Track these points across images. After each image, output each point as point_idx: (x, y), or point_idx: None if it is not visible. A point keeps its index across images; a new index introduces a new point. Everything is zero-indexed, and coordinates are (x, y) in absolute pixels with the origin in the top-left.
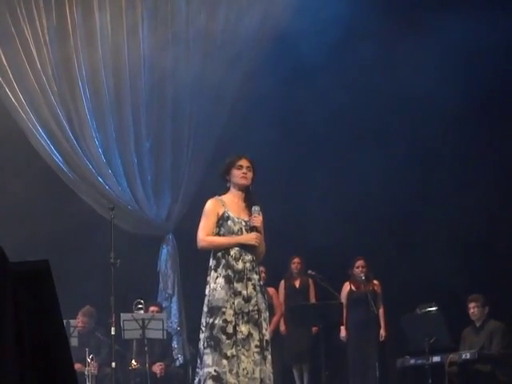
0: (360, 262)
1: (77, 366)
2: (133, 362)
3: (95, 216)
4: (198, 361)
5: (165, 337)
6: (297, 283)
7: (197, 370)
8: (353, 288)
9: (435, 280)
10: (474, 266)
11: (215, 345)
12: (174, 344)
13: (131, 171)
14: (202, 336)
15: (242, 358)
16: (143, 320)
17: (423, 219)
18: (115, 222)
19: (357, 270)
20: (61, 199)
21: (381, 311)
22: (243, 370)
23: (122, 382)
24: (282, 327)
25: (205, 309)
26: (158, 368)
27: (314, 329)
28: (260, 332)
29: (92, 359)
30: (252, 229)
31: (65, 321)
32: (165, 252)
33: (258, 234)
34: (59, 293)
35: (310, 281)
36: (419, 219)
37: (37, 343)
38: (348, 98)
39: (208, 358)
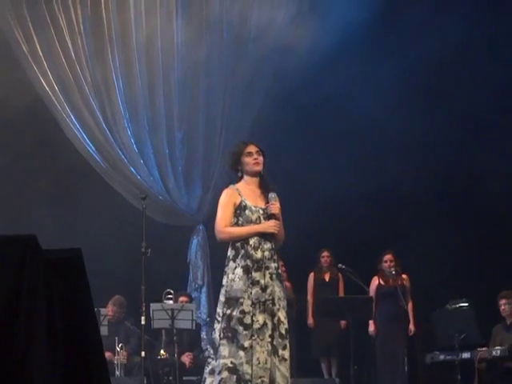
0: (388, 256)
1: (106, 354)
2: (162, 351)
3: (127, 205)
4: (211, 350)
5: (194, 327)
6: (326, 276)
7: (208, 359)
8: (381, 282)
9: (466, 275)
10: (505, 262)
11: (232, 336)
12: (203, 335)
13: (163, 162)
14: (217, 326)
15: (257, 347)
16: (172, 310)
17: (452, 215)
18: (146, 212)
19: (385, 265)
20: (94, 188)
21: (410, 306)
22: (257, 359)
23: (151, 372)
24: (310, 320)
25: (222, 299)
26: (186, 358)
27: (343, 322)
28: (273, 321)
29: (121, 348)
30: (270, 216)
31: (95, 309)
32: (195, 243)
33: (277, 222)
34: (90, 281)
35: (340, 274)
36: (448, 215)
37: (68, 328)
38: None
39: (224, 350)
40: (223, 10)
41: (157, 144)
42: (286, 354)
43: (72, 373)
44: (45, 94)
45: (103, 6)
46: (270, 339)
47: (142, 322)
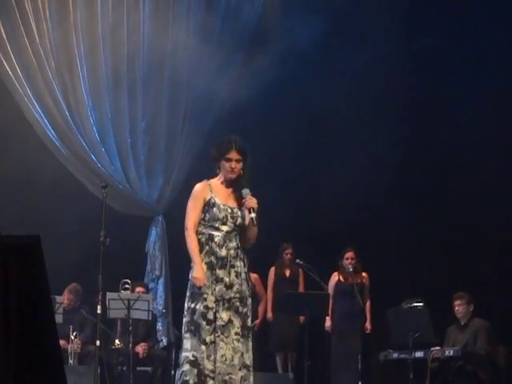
0: (349, 254)
1: (60, 342)
2: (116, 341)
3: (87, 194)
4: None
5: (150, 318)
6: (287, 272)
7: (181, 352)
8: (341, 279)
9: (422, 275)
10: (461, 263)
11: (195, 330)
12: (159, 326)
13: (125, 151)
14: (184, 320)
15: (221, 344)
16: (129, 300)
17: (413, 215)
18: (106, 201)
19: (345, 262)
20: (54, 175)
21: (367, 304)
22: (222, 356)
23: (105, 361)
24: (269, 314)
25: (187, 293)
26: (140, 348)
27: (302, 318)
28: (241, 319)
29: (76, 336)
30: (250, 210)
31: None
32: (154, 233)
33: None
34: (47, 268)
35: (301, 270)
36: (410, 215)
37: (23, 316)
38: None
39: (187, 343)
40: (191, 1)
41: (119, 133)
42: None
43: (26, 361)
44: (7, 78)
45: None
46: (237, 337)
47: (98, 311)
